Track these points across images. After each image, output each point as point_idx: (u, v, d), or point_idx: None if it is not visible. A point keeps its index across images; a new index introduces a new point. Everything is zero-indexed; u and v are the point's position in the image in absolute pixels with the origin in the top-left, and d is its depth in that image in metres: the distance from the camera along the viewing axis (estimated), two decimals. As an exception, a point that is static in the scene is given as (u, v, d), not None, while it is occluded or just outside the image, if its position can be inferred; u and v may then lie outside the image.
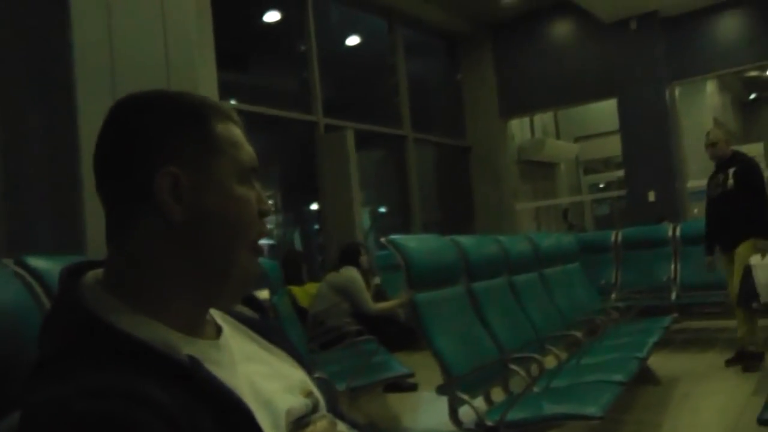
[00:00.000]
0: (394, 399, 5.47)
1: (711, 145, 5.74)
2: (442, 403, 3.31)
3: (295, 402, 1.22)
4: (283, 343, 1.37)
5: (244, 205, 1.15)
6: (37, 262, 1.45)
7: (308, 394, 1.27)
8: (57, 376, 0.97)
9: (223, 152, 1.14)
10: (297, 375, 1.31)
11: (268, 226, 10.37)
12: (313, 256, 9.55)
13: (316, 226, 9.60)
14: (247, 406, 1.07)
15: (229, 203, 1.14)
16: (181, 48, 5.42)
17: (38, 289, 1.38)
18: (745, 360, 5.44)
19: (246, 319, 1.35)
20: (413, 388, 5.59)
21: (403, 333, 5.98)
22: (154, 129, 1.14)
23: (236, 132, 1.19)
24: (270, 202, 1.23)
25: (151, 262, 1.12)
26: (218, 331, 1.24)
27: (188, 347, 1.10)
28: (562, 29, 11.91)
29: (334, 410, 1.36)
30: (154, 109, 1.16)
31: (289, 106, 8.96)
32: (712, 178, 5.82)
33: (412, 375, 4.32)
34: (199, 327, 1.18)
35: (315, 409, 1.27)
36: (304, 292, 6.57)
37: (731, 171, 5.63)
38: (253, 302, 1.44)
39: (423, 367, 4.29)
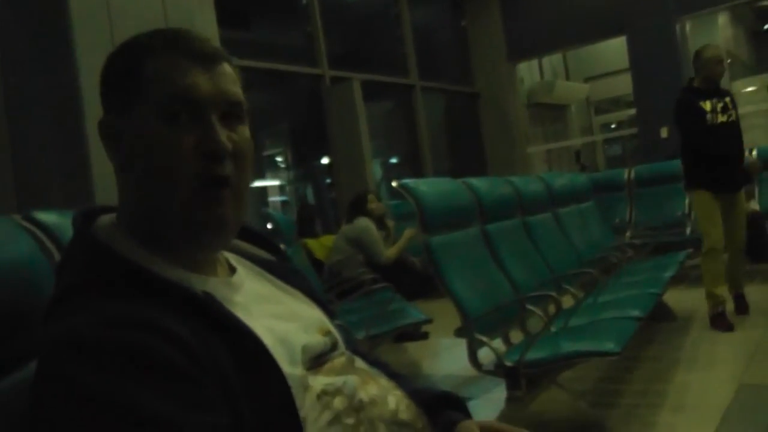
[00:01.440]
0: (413, 347, 5.50)
1: (719, 62, 4.93)
2: (460, 349, 3.33)
3: (312, 339, 1.22)
4: (301, 284, 1.36)
5: (163, 145, 1.08)
6: (46, 217, 1.45)
7: (326, 333, 1.27)
8: (73, 307, 0.99)
9: (146, 91, 1.10)
10: (314, 314, 1.31)
11: (277, 183, 10.39)
12: (326, 210, 9.56)
13: (328, 180, 9.60)
14: (260, 338, 1.08)
15: (149, 146, 1.09)
16: (179, 5, 5.40)
17: (48, 244, 1.38)
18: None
19: (262, 261, 1.36)
20: (425, 337, 5.61)
21: (419, 281, 5.99)
22: (105, 74, 1.17)
23: (173, 65, 1.11)
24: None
25: (128, 204, 1.15)
26: (232, 271, 1.25)
27: (201, 284, 1.13)
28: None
29: (355, 349, 1.35)
30: (113, 55, 1.17)
31: (293, 60, 8.90)
32: (704, 104, 4.89)
33: (430, 321, 4.33)
34: (208, 267, 1.19)
35: (334, 347, 1.27)
36: (320, 245, 6.60)
37: (728, 99, 4.98)
38: (269, 245, 1.44)
39: (439, 315, 4.30)
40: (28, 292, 1.17)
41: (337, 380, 1.18)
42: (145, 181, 1.10)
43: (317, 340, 1.23)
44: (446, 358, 5.19)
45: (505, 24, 11.97)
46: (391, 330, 4.23)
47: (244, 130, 1.17)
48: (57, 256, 1.35)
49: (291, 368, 1.12)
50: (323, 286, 5.19)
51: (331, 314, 1.37)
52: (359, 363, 1.30)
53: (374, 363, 1.36)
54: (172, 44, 1.13)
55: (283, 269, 1.37)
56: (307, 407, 1.11)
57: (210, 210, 1.10)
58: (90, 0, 4.75)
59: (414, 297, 5.43)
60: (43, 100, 4.79)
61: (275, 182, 10.62)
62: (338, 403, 1.15)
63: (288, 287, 1.33)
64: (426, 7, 12.24)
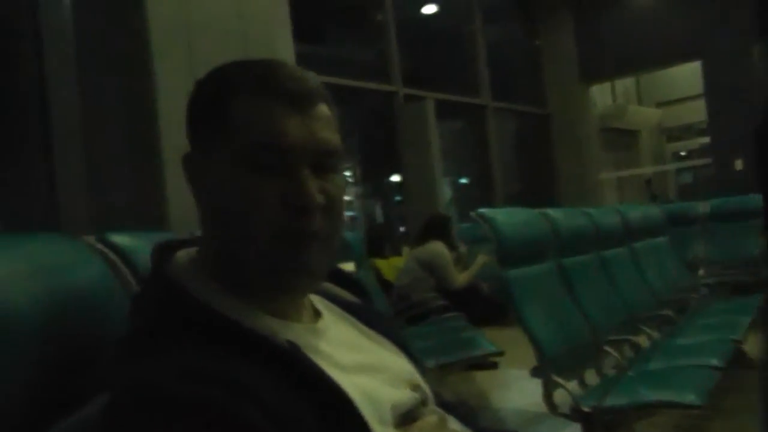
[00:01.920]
0: (481, 376, 5.43)
1: None
2: (530, 382, 3.26)
3: (402, 396, 1.14)
4: (388, 331, 1.28)
5: (246, 195, 1.01)
6: (121, 239, 1.41)
7: (415, 387, 1.19)
8: (146, 353, 0.94)
9: (232, 134, 1.03)
10: (403, 366, 1.23)
11: (348, 200, 10.39)
12: (395, 228, 9.54)
13: (397, 198, 9.58)
14: (351, 397, 1.00)
15: (230, 193, 1.02)
16: (258, 20, 5.44)
17: (122, 268, 1.34)
18: None
19: (347, 304, 1.28)
20: (493, 366, 5.54)
21: (487, 307, 5.94)
22: (192, 106, 1.12)
23: (263, 108, 1.04)
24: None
25: (211, 240, 1.10)
26: (316, 315, 1.18)
27: (285, 331, 1.05)
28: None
29: (444, 403, 1.27)
30: (201, 85, 1.12)
31: (367, 76, 8.91)
32: None
33: (501, 354, 4.27)
34: (292, 311, 1.12)
35: (423, 403, 1.19)
36: (389, 265, 6.58)
37: None
38: (354, 286, 1.36)
39: (507, 344, 4.22)
40: (99, 319, 1.14)
41: None
42: (224, 228, 1.05)
43: (407, 396, 1.15)
44: (516, 391, 5.09)
45: (580, 45, 11.83)
46: (462, 360, 4.19)
47: (338, 179, 1.10)
48: (131, 280, 1.32)
49: (381, 429, 1.04)
50: (392, 308, 5.16)
51: (418, 363, 1.29)
52: (452, 423, 1.23)
53: (466, 416, 1.29)
54: (263, 83, 1.06)
55: (368, 313, 1.30)
56: None
57: (296, 259, 1.04)
58: (170, 20, 4.80)
59: (481, 324, 5.37)
60: (120, 121, 4.85)
61: (344, 197, 10.60)
62: None
63: (374, 334, 1.25)
64: (500, 26, 12.17)
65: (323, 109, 1.09)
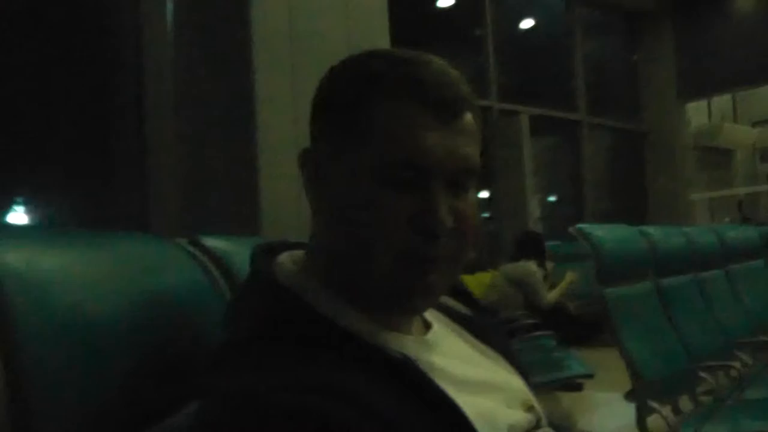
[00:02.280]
0: (567, 398, 5.35)
1: None
2: (618, 406, 3.21)
3: (518, 417, 1.06)
4: (502, 346, 1.21)
5: (373, 210, 0.94)
6: (214, 242, 1.35)
7: (529, 408, 1.11)
8: (248, 361, 0.88)
9: (367, 141, 0.95)
10: (517, 384, 1.15)
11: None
12: (483, 245, 9.48)
13: (486, 214, 9.52)
14: (468, 417, 0.91)
15: (355, 205, 0.95)
16: (361, 32, 5.47)
17: (215, 272, 1.28)
18: None
19: (459, 316, 1.20)
20: (579, 388, 5.46)
21: (575, 327, 5.87)
22: (320, 98, 1.04)
23: (405, 116, 0.95)
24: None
25: (326, 244, 1.02)
26: (426, 327, 1.10)
27: (397, 344, 0.98)
28: (747, 4, 11.20)
29: (554, 426, 1.18)
30: (336, 74, 1.03)
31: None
32: None
33: (591, 376, 4.21)
34: (403, 322, 1.05)
35: (537, 425, 1.11)
36: (476, 281, 6.52)
37: None
38: (466, 297, 1.28)
39: (593, 365, 4.17)
40: (190, 324, 1.10)
41: None
42: (345, 237, 0.97)
43: (523, 418, 1.07)
44: (603, 415, 5.01)
45: (679, 60, 11.54)
46: (552, 381, 4.14)
47: (471, 198, 1.01)
48: (224, 285, 1.27)
49: None
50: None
51: (530, 381, 1.22)
52: None
53: None
54: (408, 84, 0.96)
55: (481, 327, 1.21)
56: None
57: (416, 279, 0.96)
58: (273, 24, 4.86)
59: (568, 343, 5.31)
60: (217, 122, 4.89)
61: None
62: None
63: (487, 349, 1.17)
64: (599, 40, 11.99)
65: (469, 119, 1.01)
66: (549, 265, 6.52)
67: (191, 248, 1.31)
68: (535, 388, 3.35)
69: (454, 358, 1.07)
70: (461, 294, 1.28)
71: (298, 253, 1.09)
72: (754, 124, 14.78)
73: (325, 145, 1.02)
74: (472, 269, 6.80)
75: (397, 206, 0.94)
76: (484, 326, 1.22)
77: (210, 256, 1.31)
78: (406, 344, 1.00)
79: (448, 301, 1.23)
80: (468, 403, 0.95)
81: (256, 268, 1.04)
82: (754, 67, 10.85)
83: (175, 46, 4.71)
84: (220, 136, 4.88)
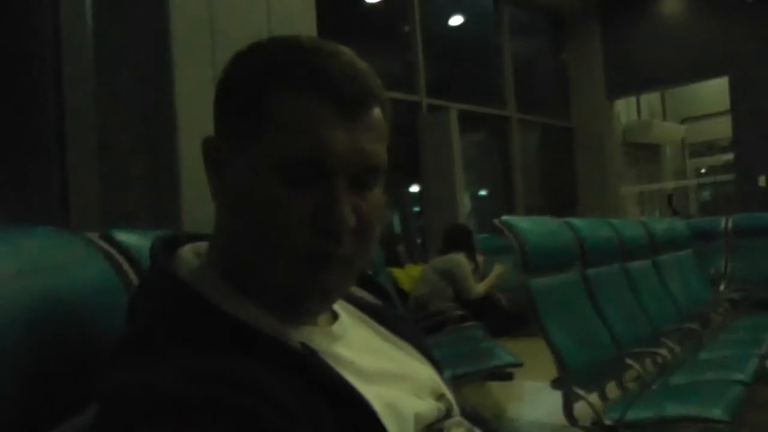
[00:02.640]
0: (497, 387, 5.37)
1: None
2: (547, 394, 3.21)
3: (425, 406, 1.03)
4: (410, 336, 1.17)
5: (273, 207, 0.90)
6: (126, 237, 1.30)
7: (439, 397, 1.09)
8: (149, 356, 0.84)
9: (267, 133, 0.91)
10: (426, 373, 1.12)
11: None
12: (413, 239, 9.49)
13: (416, 208, 9.53)
14: (371, 405, 0.90)
15: (257, 201, 0.91)
16: (284, 26, 5.41)
17: (127, 267, 1.23)
18: None
19: (367, 306, 1.17)
20: (509, 377, 5.47)
21: (504, 318, 5.88)
22: (222, 85, 0.97)
23: (307, 111, 0.90)
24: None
25: (225, 235, 0.98)
26: (333, 318, 1.06)
27: (297, 334, 0.95)
28: (673, 4, 11.43)
29: (468, 415, 1.16)
30: (240, 64, 0.97)
31: (391, 86, 8.88)
32: None
33: (520, 365, 4.20)
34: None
35: (448, 414, 1.08)
36: (406, 275, 6.52)
37: None
38: (375, 287, 1.25)
39: (523, 355, 4.17)
40: (98, 321, 1.04)
41: None
42: (244, 236, 0.93)
43: (431, 407, 1.05)
44: (533, 403, 5.04)
45: (606, 59, 11.78)
46: (480, 371, 4.12)
47: (376, 196, 0.98)
48: (135, 280, 1.21)
49: None
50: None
51: (441, 370, 1.19)
52: None
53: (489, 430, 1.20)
54: (311, 76, 0.91)
55: (390, 316, 1.18)
56: None
57: (314, 279, 0.93)
58: (193, 15, 4.79)
59: (498, 334, 5.30)
60: (137, 113, 4.82)
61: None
62: None
63: (396, 338, 1.14)
64: (527, 38, 12.15)
65: (376, 114, 0.96)
66: (480, 258, 6.54)
67: (102, 243, 1.26)
68: (465, 378, 3.32)
69: (361, 349, 1.04)
70: (369, 284, 1.25)
71: (202, 245, 1.05)
72: (683, 121, 15.10)
73: (226, 134, 0.97)
74: (401, 263, 6.79)
75: (299, 204, 0.90)
76: (393, 316, 1.20)
77: (121, 251, 1.26)
78: (311, 336, 0.97)
79: (356, 291, 1.20)
80: (374, 394, 0.93)
81: (153, 260, 1.00)
82: (681, 66, 11.10)
83: (95, 41, 4.61)
84: (142, 132, 4.80)
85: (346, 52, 0.96)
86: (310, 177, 0.90)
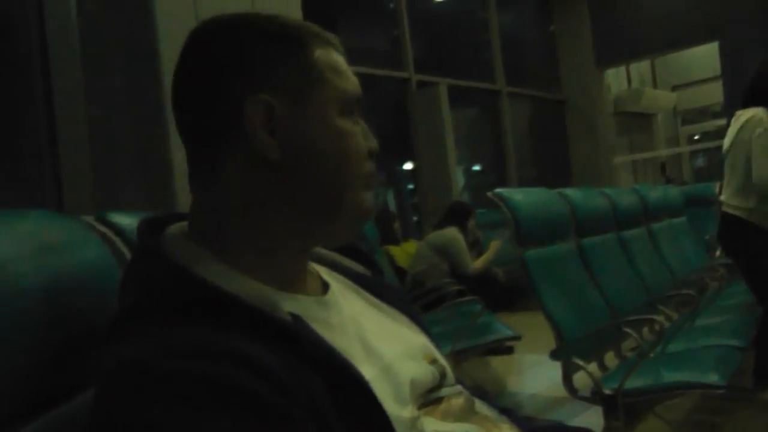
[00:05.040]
0: (496, 361, 5.38)
1: None
2: (546, 367, 3.21)
3: (420, 370, 1.07)
4: (400, 303, 1.22)
5: (349, 138, 1.03)
6: (120, 218, 1.36)
7: (432, 361, 1.12)
8: (136, 333, 0.85)
9: (323, 80, 1.02)
10: (417, 338, 1.16)
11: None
12: (408, 216, 9.48)
13: (410, 185, 9.51)
14: (361, 373, 0.92)
15: (333, 137, 1.01)
16: (271, 9, 5.39)
17: (122, 247, 1.29)
18: None
19: (356, 276, 1.22)
20: (509, 351, 5.49)
21: (502, 293, 5.89)
22: (241, 52, 1.01)
23: (338, 59, 1.06)
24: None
25: (242, 206, 1.00)
26: (324, 287, 1.11)
27: (289, 303, 0.97)
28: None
29: (468, 386, 1.20)
30: (241, 31, 1.02)
31: (379, 63, 8.84)
32: None
33: (518, 338, 4.21)
34: (299, 281, 1.06)
35: (442, 378, 1.12)
36: (403, 252, 6.51)
37: None
38: (363, 257, 1.30)
39: (523, 329, 4.20)
40: (97, 301, 1.06)
41: (455, 428, 1.04)
42: (321, 172, 1.01)
43: (425, 371, 1.08)
44: (532, 376, 5.06)
45: (594, 29, 11.67)
46: (479, 345, 4.13)
47: None
48: None
49: (398, 409, 0.97)
50: (407, 295, 5.10)
51: (432, 336, 1.22)
52: (480, 407, 1.15)
53: (497, 405, 1.21)
54: (318, 34, 1.07)
55: (378, 285, 1.23)
56: None
57: (372, 199, 1.09)
58: (178, 7, 4.76)
59: (497, 309, 5.31)
60: (124, 97, 4.81)
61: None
62: None
63: (385, 306, 1.19)
64: (514, 11, 12.06)
65: None
66: (477, 232, 6.54)
67: (97, 224, 1.31)
68: (464, 354, 3.32)
69: (354, 317, 1.08)
70: (356, 253, 1.29)
71: (188, 224, 1.08)
72: (674, 88, 15.04)
73: (282, 93, 1.01)
74: (397, 240, 6.79)
75: (357, 132, 1.06)
76: (381, 285, 1.24)
77: (116, 232, 1.32)
78: (303, 305, 1.00)
79: (345, 261, 1.24)
80: (369, 360, 0.99)
81: (140, 240, 1.03)
82: (670, 33, 11.00)
83: (80, 23, 4.59)
84: (132, 119, 4.79)
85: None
86: (353, 110, 1.06)
